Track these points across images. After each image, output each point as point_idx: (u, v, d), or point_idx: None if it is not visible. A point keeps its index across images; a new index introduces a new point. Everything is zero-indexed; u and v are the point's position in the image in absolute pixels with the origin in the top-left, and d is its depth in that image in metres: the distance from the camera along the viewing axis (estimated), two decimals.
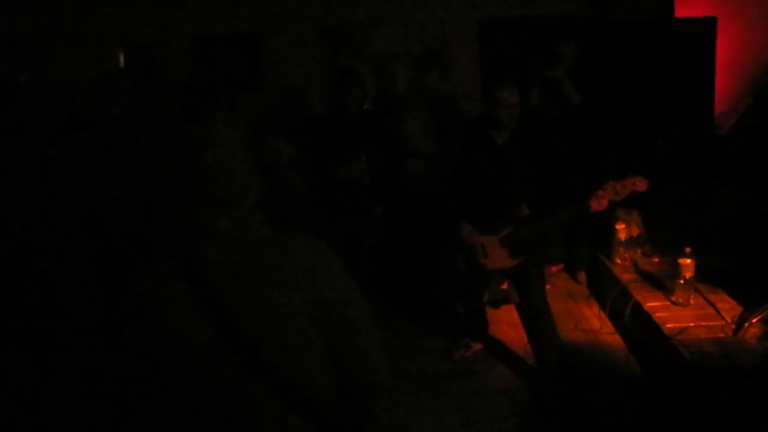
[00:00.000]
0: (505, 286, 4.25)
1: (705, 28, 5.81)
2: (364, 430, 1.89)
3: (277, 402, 1.74)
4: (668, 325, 3.25)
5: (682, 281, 3.54)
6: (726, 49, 5.90)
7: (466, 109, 5.22)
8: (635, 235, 4.67)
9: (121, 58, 6.75)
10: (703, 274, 3.66)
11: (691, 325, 3.25)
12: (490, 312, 4.50)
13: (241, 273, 1.73)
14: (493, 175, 4.03)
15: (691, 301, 3.50)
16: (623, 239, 4.62)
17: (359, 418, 1.90)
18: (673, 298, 3.57)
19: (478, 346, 4.55)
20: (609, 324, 4.31)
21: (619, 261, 4.61)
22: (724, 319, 3.28)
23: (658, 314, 3.50)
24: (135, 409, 1.84)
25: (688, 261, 3.57)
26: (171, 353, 1.74)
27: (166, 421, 1.78)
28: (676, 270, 3.60)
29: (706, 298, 3.53)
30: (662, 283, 3.82)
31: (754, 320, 3.12)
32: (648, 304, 3.66)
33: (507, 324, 4.61)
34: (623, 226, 4.64)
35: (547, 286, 4.73)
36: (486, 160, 4.14)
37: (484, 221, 3.90)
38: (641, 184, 3.49)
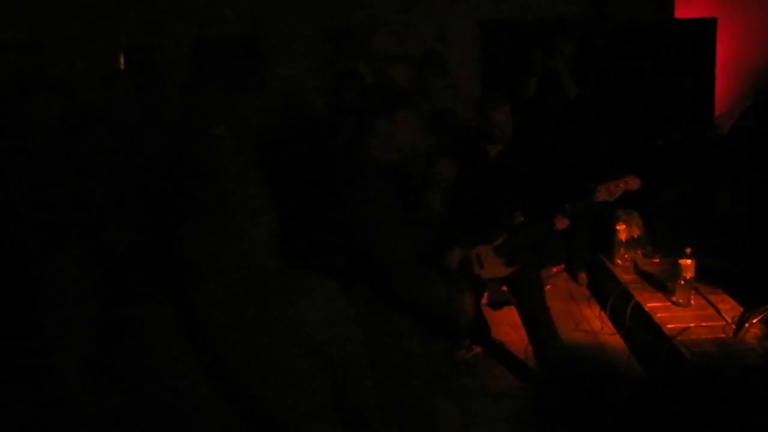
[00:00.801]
0: (506, 288, 4.25)
1: (705, 28, 5.81)
2: None
3: None
4: (669, 326, 3.25)
5: (682, 282, 3.54)
6: (726, 50, 5.90)
7: (463, 114, 5.22)
8: (636, 235, 4.67)
9: (122, 60, 6.74)
10: (703, 274, 3.66)
11: (692, 325, 3.25)
12: (491, 313, 4.50)
13: (238, 314, 1.65)
14: (487, 186, 4.04)
15: (692, 302, 3.50)
16: (624, 240, 4.63)
17: None
18: (674, 299, 3.57)
19: (478, 349, 4.55)
20: (610, 325, 4.31)
21: (619, 262, 4.61)
22: (724, 319, 3.28)
23: (658, 315, 3.50)
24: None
25: (689, 261, 3.57)
26: (157, 390, 1.68)
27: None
28: (676, 270, 3.60)
29: (706, 299, 3.53)
30: (663, 284, 3.82)
31: (754, 320, 3.12)
32: (649, 304, 3.66)
33: (508, 325, 4.61)
34: (624, 226, 4.64)
35: (548, 287, 4.73)
36: (480, 171, 4.15)
37: (478, 231, 3.90)
38: (633, 183, 3.50)
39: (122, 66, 6.72)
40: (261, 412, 1.65)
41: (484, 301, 4.52)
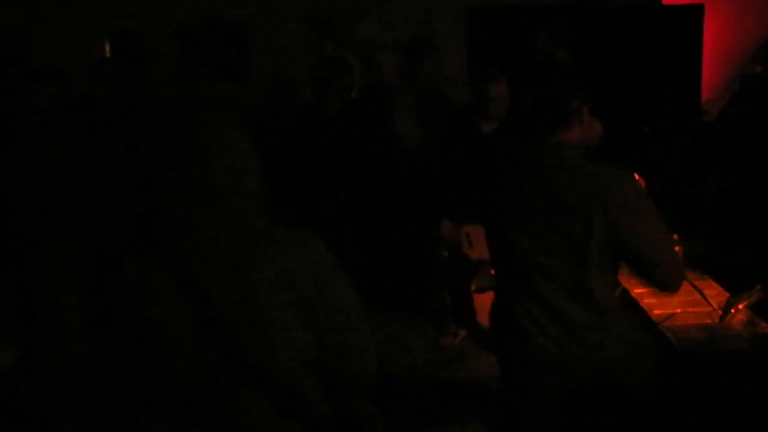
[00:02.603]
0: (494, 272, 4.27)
1: (692, 15, 5.82)
2: (350, 425, 1.88)
3: (258, 393, 1.72)
4: (655, 312, 3.25)
5: None
6: (713, 36, 5.91)
7: (454, 97, 5.21)
8: None
9: (108, 48, 6.70)
10: (690, 260, 3.67)
11: (678, 311, 3.25)
12: (478, 298, 4.51)
13: (228, 266, 1.70)
14: (480, 163, 4.03)
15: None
16: None
17: (345, 413, 1.89)
18: None
19: (464, 333, 4.56)
20: None
21: None
22: (710, 305, 3.29)
23: (645, 301, 3.51)
24: (115, 393, 1.83)
25: (676, 247, 3.58)
26: (150, 340, 1.73)
27: (144, 410, 1.77)
28: None
29: (693, 285, 3.54)
30: None
31: (740, 306, 3.13)
32: (635, 290, 3.66)
33: None
34: None
35: None
36: (473, 148, 4.13)
37: (466, 212, 3.89)
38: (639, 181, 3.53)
39: (108, 54, 6.67)
40: (247, 361, 1.69)
41: (473, 287, 4.53)
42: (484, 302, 4.60)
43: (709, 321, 3.15)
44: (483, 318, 4.53)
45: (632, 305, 3.60)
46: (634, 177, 2.53)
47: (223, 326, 1.67)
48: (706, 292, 3.45)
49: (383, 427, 1.99)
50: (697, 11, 5.78)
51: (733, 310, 3.12)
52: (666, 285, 2.63)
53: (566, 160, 2.53)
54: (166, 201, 1.72)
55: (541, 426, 2.74)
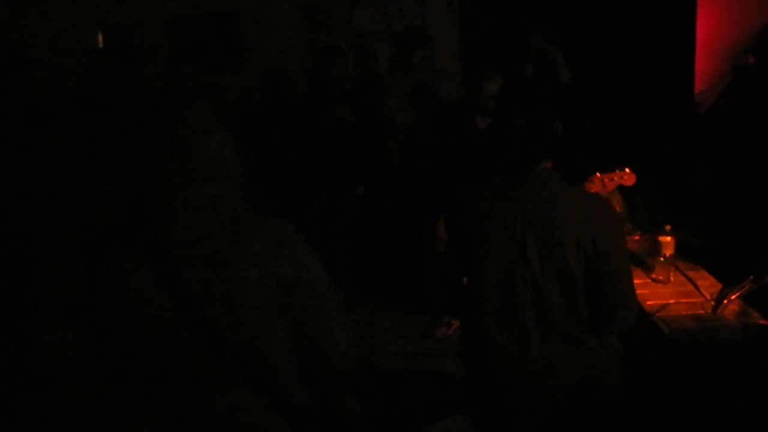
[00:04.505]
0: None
1: (685, 6, 5.82)
2: (329, 410, 1.89)
3: (238, 382, 1.73)
4: (649, 302, 3.26)
5: (662, 259, 3.55)
6: (706, 28, 5.90)
7: (447, 90, 5.21)
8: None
9: (100, 39, 6.66)
10: (683, 251, 3.68)
11: (672, 302, 3.27)
12: None
13: (204, 251, 1.72)
14: (475, 159, 4.03)
15: (672, 279, 3.52)
16: None
17: (324, 399, 1.89)
18: (654, 276, 3.59)
19: (456, 323, 4.57)
20: None
21: None
22: (703, 296, 3.31)
23: (638, 291, 3.51)
24: (98, 385, 1.84)
25: (669, 239, 3.59)
26: (133, 330, 1.74)
27: (127, 399, 1.78)
28: (656, 247, 3.62)
29: (686, 276, 3.55)
30: (643, 261, 3.83)
31: (733, 297, 3.14)
32: None
33: None
34: None
35: None
36: (468, 144, 4.14)
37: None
38: (629, 179, 3.54)
39: (100, 45, 6.63)
40: (225, 349, 1.71)
41: (464, 279, 4.53)
42: None
43: (702, 312, 3.16)
44: None
45: None
46: (615, 208, 2.59)
47: (204, 317, 1.68)
48: (699, 283, 3.46)
49: (363, 417, 2.00)
50: (690, 3, 5.78)
51: (725, 301, 3.13)
52: (619, 322, 2.66)
53: (549, 185, 2.57)
54: (147, 190, 1.75)
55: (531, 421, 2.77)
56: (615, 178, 3.53)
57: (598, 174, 3.56)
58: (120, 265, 1.76)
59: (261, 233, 1.76)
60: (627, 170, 3.59)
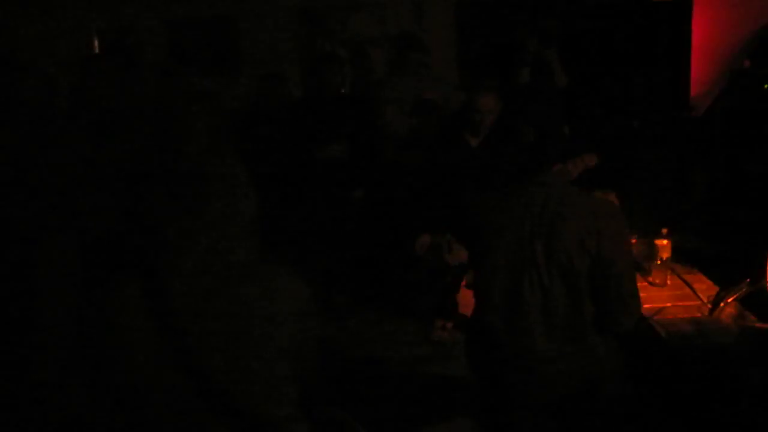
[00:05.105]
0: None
1: (681, 10, 5.83)
2: None
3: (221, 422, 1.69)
4: (645, 306, 3.26)
5: (659, 262, 3.56)
6: (702, 32, 5.92)
7: (440, 96, 5.22)
8: None
9: (96, 44, 6.66)
10: (679, 254, 3.69)
11: (668, 305, 3.27)
12: (467, 293, 4.52)
13: (203, 302, 1.66)
14: (465, 178, 4.04)
15: (668, 282, 3.53)
16: None
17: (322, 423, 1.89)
18: (650, 279, 3.59)
19: (450, 324, 4.59)
20: None
21: None
22: (700, 299, 3.31)
23: None
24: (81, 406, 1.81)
25: (665, 242, 3.59)
26: (117, 352, 1.70)
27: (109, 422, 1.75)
28: (652, 251, 3.62)
29: (682, 279, 3.56)
30: (639, 264, 3.83)
31: (729, 300, 3.14)
32: None
33: None
34: None
35: None
36: (458, 163, 4.15)
37: (450, 218, 3.92)
38: (590, 160, 3.56)
39: (97, 50, 6.64)
40: (226, 404, 1.66)
41: (463, 282, 4.54)
42: (469, 297, 4.63)
43: (699, 315, 3.17)
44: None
45: None
46: (621, 213, 2.64)
47: (189, 358, 1.64)
48: (696, 286, 3.47)
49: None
50: (686, 6, 5.80)
51: (722, 304, 3.14)
52: (620, 323, 2.69)
53: (557, 187, 2.62)
54: (141, 193, 1.73)
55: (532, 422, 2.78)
56: (578, 163, 3.55)
57: (559, 164, 3.57)
58: (112, 293, 1.73)
59: (268, 286, 1.72)
60: (588, 154, 3.63)
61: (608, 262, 2.55)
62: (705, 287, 3.44)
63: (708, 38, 5.99)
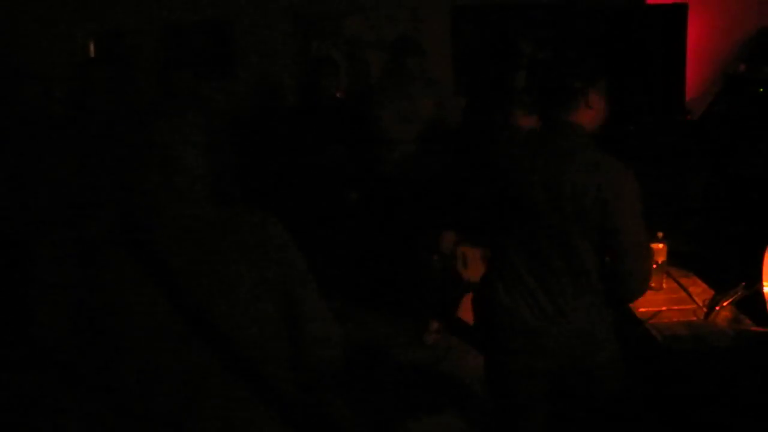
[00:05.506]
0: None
1: (676, 14, 5.84)
2: (320, 413, 1.90)
3: (232, 380, 1.74)
4: (641, 309, 3.26)
5: (654, 266, 3.56)
6: (697, 36, 5.94)
7: (435, 100, 5.22)
8: None
9: (92, 48, 6.65)
10: (675, 258, 3.69)
11: (664, 309, 3.27)
12: (465, 298, 4.52)
13: (192, 250, 1.75)
14: (477, 188, 4.04)
15: (664, 286, 3.52)
16: None
17: (315, 403, 1.91)
18: None
19: (439, 325, 4.59)
20: None
21: None
22: (695, 302, 3.31)
23: None
24: (90, 388, 1.83)
25: (661, 245, 3.59)
26: (123, 333, 1.73)
27: (119, 402, 1.78)
28: None
29: (678, 283, 3.56)
30: None
31: (725, 303, 3.14)
32: None
33: None
34: None
35: None
36: (469, 174, 4.15)
37: (468, 230, 3.90)
38: None
39: (93, 54, 6.63)
40: (213, 338, 1.72)
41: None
42: (466, 299, 4.62)
43: (695, 318, 3.16)
44: (467, 317, 4.54)
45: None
46: (634, 176, 2.61)
47: (193, 307, 1.70)
48: (691, 289, 3.47)
49: (353, 419, 2.01)
50: (681, 10, 5.81)
51: (717, 308, 3.13)
52: (631, 290, 2.71)
53: (571, 142, 2.61)
54: (136, 197, 1.82)
55: (526, 417, 2.78)
56: None
57: None
58: (110, 263, 1.79)
59: (243, 230, 1.80)
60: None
61: (614, 227, 2.55)
62: (700, 291, 3.44)
63: (703, 42, 6.01)
